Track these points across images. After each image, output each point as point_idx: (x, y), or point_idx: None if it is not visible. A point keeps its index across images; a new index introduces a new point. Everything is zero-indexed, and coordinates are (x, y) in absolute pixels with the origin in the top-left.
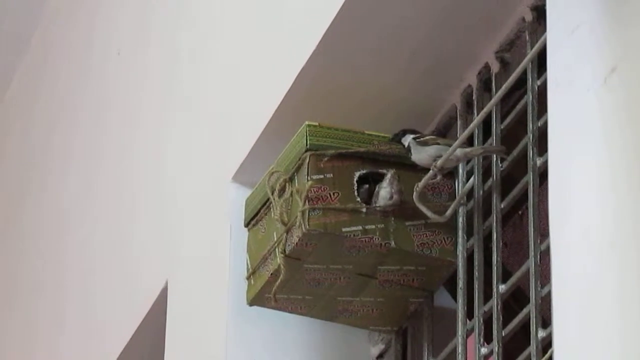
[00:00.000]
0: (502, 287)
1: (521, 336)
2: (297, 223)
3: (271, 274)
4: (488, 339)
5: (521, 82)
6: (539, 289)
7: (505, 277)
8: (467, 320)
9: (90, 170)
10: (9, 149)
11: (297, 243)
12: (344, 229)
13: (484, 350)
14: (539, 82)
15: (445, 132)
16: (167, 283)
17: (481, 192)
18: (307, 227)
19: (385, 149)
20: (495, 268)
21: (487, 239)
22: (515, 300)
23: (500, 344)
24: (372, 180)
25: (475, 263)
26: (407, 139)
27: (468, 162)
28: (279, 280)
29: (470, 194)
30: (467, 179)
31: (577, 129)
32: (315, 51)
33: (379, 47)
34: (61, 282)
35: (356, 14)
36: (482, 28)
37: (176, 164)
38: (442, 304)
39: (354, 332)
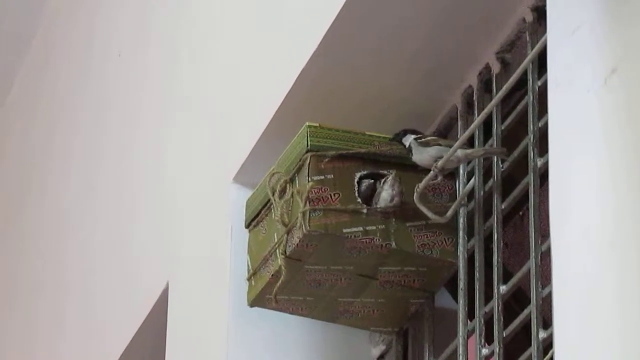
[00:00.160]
0: (503, 288)
1: (522, 337)
2: (298, 224)
3: (272, 275)
4: (489, 339)
5: (522, 82)
6: (539, 289)
7: (506, 277)
8: (468, 321)
9: (90, 171)
10: (9, 149)
11: (297, 244)
12: (344, 230)
13: (484, 351)
14: (539, 83)
15: (445, 132)
16: (167, 284)
17: (482, 193)
18: (308, 228)
19: (386, 150)
20: (496, 269)
21: (488, 239)
22: (516, 300)
23: (501, 345)
24: (373, 181)
25: (476, 264)
26: (408, 139)
27: (469, 163)
28: (280, 281)
29: (471, 195)
30: (468, 180)
31: (578, 130)
32: (316, 52)
33: (380, 47)
34: (61, 283)
35: (357, 14)
36: (482, 28)
37: (177, 165)
38: (443, 305)
39: (354, 333)
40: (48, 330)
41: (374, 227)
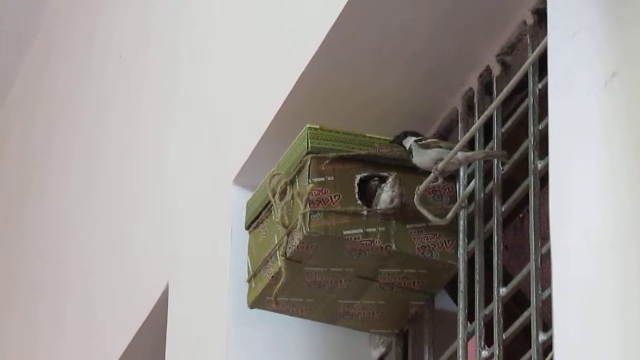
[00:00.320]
0: (503, 290)
1: (522, 339)
2: (298, 226)
3: (272, 277)
4: (489, 342)
5: (522, 85)
6: (539, 292)
7: (506, 280)
8: (468, 323)
9: (91, 171)
10: (9, 149)
11: (298, 246)
12: (344, 232)
13: (484, 354)
14: (540, 86)
15: (446, 135)
16: (167, 285)
17: (482, 195)
18: (308, 229)
19: (386, 152)
20: (496, 271)
21: (488, 242)
22: (516, 303)
23: (501, 347)
24: (373, 183)
25: (476, 266)
26: (409, 142)
27: (469, 165)
28: (280, 283)
29: (471, 197)
30: (468, 182)
31: (578, 133)
32: (317, 54)
33: (380, 49)
34: (62, 283)
35: (357, 16)
36: (483, 31)
37: (177, 166)
38: (443, 307)
39: (354, 335)
40: (48, 331)
41: (374, 229)
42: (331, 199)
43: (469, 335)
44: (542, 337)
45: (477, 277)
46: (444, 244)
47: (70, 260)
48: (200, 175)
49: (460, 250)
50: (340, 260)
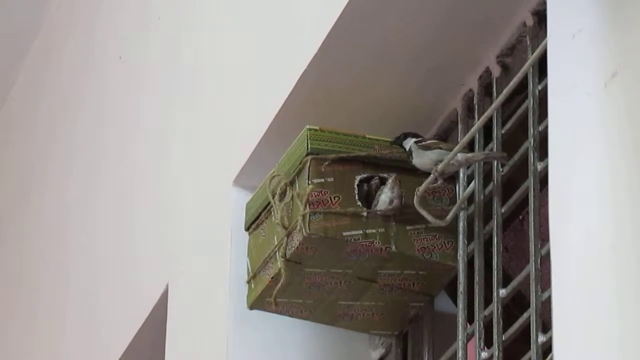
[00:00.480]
0: (503, 292)
1: (521, 341)
2: (298, 227)
3: (272, 278)
4: (488, 343)
5: (522, 86)
6: (539, 293)
7: (505, 281)
8: (468, 325)
9: (91, 173)
10: (10, 150)
11: (297, 247)
12: (344, 233)
13: (484, 355)
14: (539, 87)
15: (446, 136)
16: (167, 286)
17: (482, 197)
18: (308, 231)
19: (386, 153)
20: (495, 272)
21: (488, 243)
22: (516, 304)
23: (501, 349)
24: (373, 184)
25: (476, 267)
26: (409, 143)
27: (469, 166)
28: (280, 284)
29: (471, 199)
30: (468, 184)
31: (578, 134)
32: (316, 55)
33: (380, 51)
34: (62, 284)
35: (357, 18)
36: (483, 32)
37: (177, 168)
38: (443, 308)
39: (354, 336)
40: (48, 331)
41: (374, 231)
42: (331, 200)
43: (469, 337)
44: (542, 338)
45: (476, 278)
46: (444, 246)
47: (70, 260)
48: (200, 176)
49: (460, 252)
50: (340, 262)
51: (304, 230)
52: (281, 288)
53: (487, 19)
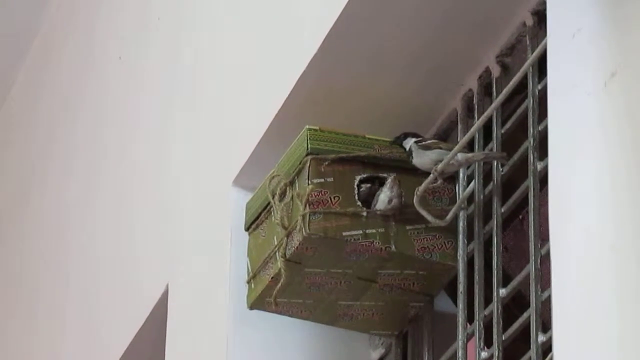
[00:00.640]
0: (503, 292)
1: (521, 340)
2: (298, 227)
3: (272, 278)
4: (488, 343)
5: (522, 86)
6: (539, 293)
7: (505, 281)
8: (468, 325)
9: (91, 173)
10: (10, 151)
11: (297, 247)
12: (344, 233)
13: (484, 355)
14: (539, 87)
15: (445, 136)
16: (167, 287)
17: (482, 197)
18: (308, 231)
19: (386, 153)
20: (495, 272)
21: (488, 243)
22: (516, 304)
23: (501, 348)
24: (372, 184)
25: (476, 267)
26: (409, 143)
27: (469, 166)
28: (280, 284)
29: (470, 198)
30: (468, 183)
31: (578, 134)
32: (316, 55)
33: (380, 51)
34: (62, 284)
35: (357, 18)
36: (482, 32)
37: (177, 168)
38: (443, 308)
39: (354, 336)
40: (48, 332)
41: (374, 231)
42: (331, 200)
43: (469, 337)
44: (542, 338)
45: (476, 278)
46: (444, 245)
47: (70, 260)
48: (200, 176)
49: (460, 252)
50: (339, 262)
51: (303, 230)
52: (281, 288)
53: (487, 18)
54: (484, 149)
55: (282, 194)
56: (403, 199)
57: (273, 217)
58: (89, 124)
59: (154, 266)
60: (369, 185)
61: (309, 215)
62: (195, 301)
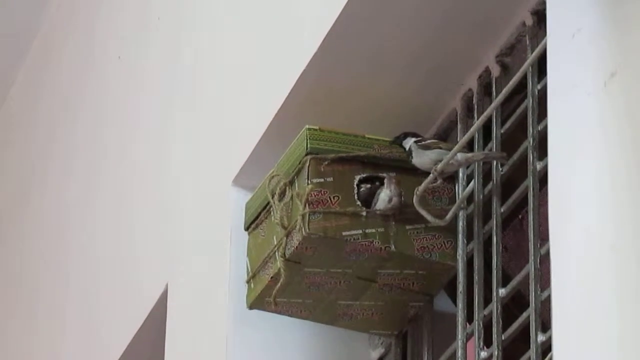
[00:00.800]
0: (502, 291)
1: (521, 340)
2: (297, 227)
3: (271, 278)
4: (488, 342)
5: (521, 86)
6: (538, 292)
7: (505, 281)
8: (467, 324)
9: (91, 173)
10: (10, 150)
11: (297, 247)
12: (344, 233)
13: (483, 354)
14: (539, 87)
15: (445, 136)
16: (167, 286)
17: (481, 196)
18: (307, 230)
19: (385, 153)
20: (495, 272)
21: (487, 243)
22: (515, 304)
23: (500, 348)
24: (372, 184)
25: (475, 267)
26: (409, 143)
27: (468, 166)
28: (279, 284)
29: (470, 198)
30: (468, 183)
31: (577, 133)
32: (316, 55)
33: (379, 50)
34: (62, 284)
35: (356, 17)
36: (482, 32)
37: (177, 168)
38: (442, 308)
39: (354, 336)
40: (48, 331)
41: (374, 230)
42: (330, 200)
43: (468, 336)
44: (541, 337)
45: (476, 278)
46: (443, 245)
47: (70, 260)
48: (199, 176)
49: (460, 251)
50: (339, 261)
51: (303, 230)
52: (281, 288)
53: (486, 18)
54: (483, 149)
55: (282, 194)
56: (403, 199)
57: (273, 217)
58: (88, 124)
59: (154, 266)
60: (368, 185)
61: (309, 215)
62: (195, 301)
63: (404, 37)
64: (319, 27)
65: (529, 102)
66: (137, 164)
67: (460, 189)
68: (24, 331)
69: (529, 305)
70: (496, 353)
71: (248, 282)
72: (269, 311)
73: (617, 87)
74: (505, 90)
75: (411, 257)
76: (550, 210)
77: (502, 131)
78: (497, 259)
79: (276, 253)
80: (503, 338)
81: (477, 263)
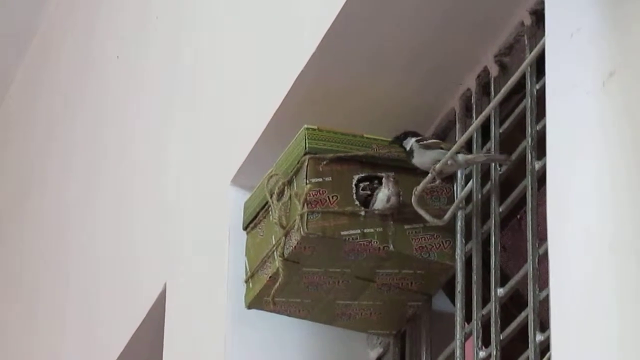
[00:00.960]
0: (501, 291)
1: (519, 340)
2: (296, 226)
3: (270, 277)
4: (486, 342)
5: (520, 86)
6: (537, 292)
7: (503, 280)
8: (466, 324)
9: (90, 173)
10: (9, 150)
11: (295, 246)
12: (342, 233)
13: (482, 354)
14: (537, 86)
15: (444, 136)
16: (165, 286)
17: (480, 196)
18: (306, 230)
19: (384, 153)
20: (493, 272)
21: (486, 242)
22: (514, 303)
23: (499, 348)
24: (371, 184)
25: (474, 267)
26: (410, 142)
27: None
28: (278, 284)
29: (469, 198)
30: (466, 183)
31: (576, 133)
32: (314, 54)
33: (378, 50)
34: (61, 283)
35: (355, 17)
36: (481, 32)
37: (176, 167)
38: (441, 308)
39: (352, 336)
40: (47, 331)
41: (372, 230)
42: (329, 199)
43: (467, 336)
44: (540, 337)
45: (474, 277)
46: (442, 245)
47: (69, 259)
48: (198, 175)
49: (458, 251)
50: (338, 261)
51: (302, 229)
52: (279, 287)
53: (485, 18)
54: (482, 149)
55: (280, 194)
56: (401, 198)
57: (271, 217)
58: (88, 123)
59: (152, 265)
60: (367, 184)
61: (307, 214)
62: (193, 300)
63: (402, 37)
64: (317, 27)
65: (528, 101)
66: (136, 163)
67: (458, 188)
68: (24, 331)
69: (527, 305)
70: (494, 353)
71: (246, 281)
72: (267, 311)
73: (616, 86)
74: (503, 90)
75: (409, 257)
76: (548, 210)
77: (500, 131)
78: (495, 259)
79: (275, 253)
80: (501, 338)
81: (476, 263)
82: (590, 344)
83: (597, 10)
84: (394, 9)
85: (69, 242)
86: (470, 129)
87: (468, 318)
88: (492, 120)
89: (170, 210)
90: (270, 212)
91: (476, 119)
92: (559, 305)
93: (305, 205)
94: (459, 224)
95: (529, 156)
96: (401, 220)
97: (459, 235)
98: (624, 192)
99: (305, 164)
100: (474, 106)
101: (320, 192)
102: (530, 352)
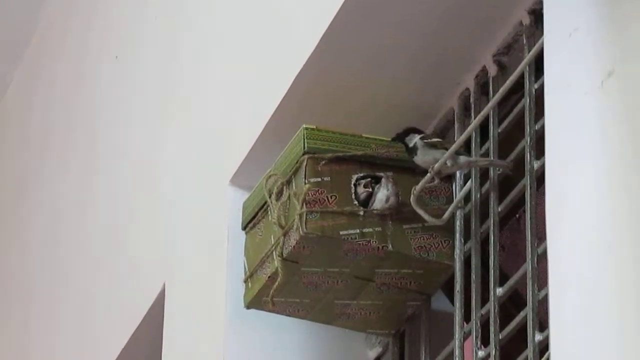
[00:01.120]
0: (499, 290)
1: (518, 339)
2: (295, 226)
3: (269, 277)
4: (485, 342)
5: (518, 85)
6: (536, 292)
7: (502, 280)
8: (465, 324)
9: (88, 173)
10: (6, 150)
11: (294, 246)
12: (341, 232)
13: (481, 354)
14: (536, 86)
15: (442, 135)
16: (164, 286)
17: (478, 196)
18: (305, 230)
19: (383, 152)
20: (492, 271)
21: (485, 242)
22: (513, 303)
23: (498, 347)
24: (370, 183)
25: (473, 266)
26: (414, 139)
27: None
28: (277, 283)
29: (467, 197)
30: (465, 183)
31: (575, 132)
32: (313, 54)
33: (376, 50)
34: (58, 284)
35: (354, 16)
36: (479, 31)
37: (174, 167)
38: (440, 307)
39: (351, 335)
40: (44, 331)
41: (371, 230)
42: (328, 199)
43: (466, 336)
44: (539, 337)
45: (473, 277)
46: (441, 244)
47: (66, 260)
48: (196, 175)
49: (457, 251)
50: (336, 261)
51: (300, 229)
52: (278, 287)
53: (483, 18)
54: (480, 148)
55: (279, 193)
56: (400, 198)
57: (270, 216)
58: (85, 122)
59: (151, 265)
60: (367, 181)
61: (306, 214)
62: (192, 300)
63: (401, 36)
64: (316, 27)
65: (526, 101)
66: (134, 163)
67: (457, 188)
68: (20, 331)
69: (526, 305)
70: (493, 352)
71: (245, 281)
72: (266, 310)
73: (614, 86)
74: (502, 90)
75: (408, 257)
76: (547, 210)
77: (499, 130)
78: (494, 258)
79: (274, 252)
80: (500, 337)
81: (475, 262)
82: (588, 343)
83: (596, 10)
84: (393, 9)
85: (66, 243)
86: (469, 128)
87: (467, 318)
88: (491, 119)
89: (168, 211)
90: (269, 212)
91: (475, 118)
92: (558, 305)
93: (304, 205)
94: (458, 224)
95: (527, 155)
96: (400, 220)
97: (457, 235)
98: (622, 191)
99: (304, 163)
100: (473, 106)
101: (319, 191)
102: (529, 351)
